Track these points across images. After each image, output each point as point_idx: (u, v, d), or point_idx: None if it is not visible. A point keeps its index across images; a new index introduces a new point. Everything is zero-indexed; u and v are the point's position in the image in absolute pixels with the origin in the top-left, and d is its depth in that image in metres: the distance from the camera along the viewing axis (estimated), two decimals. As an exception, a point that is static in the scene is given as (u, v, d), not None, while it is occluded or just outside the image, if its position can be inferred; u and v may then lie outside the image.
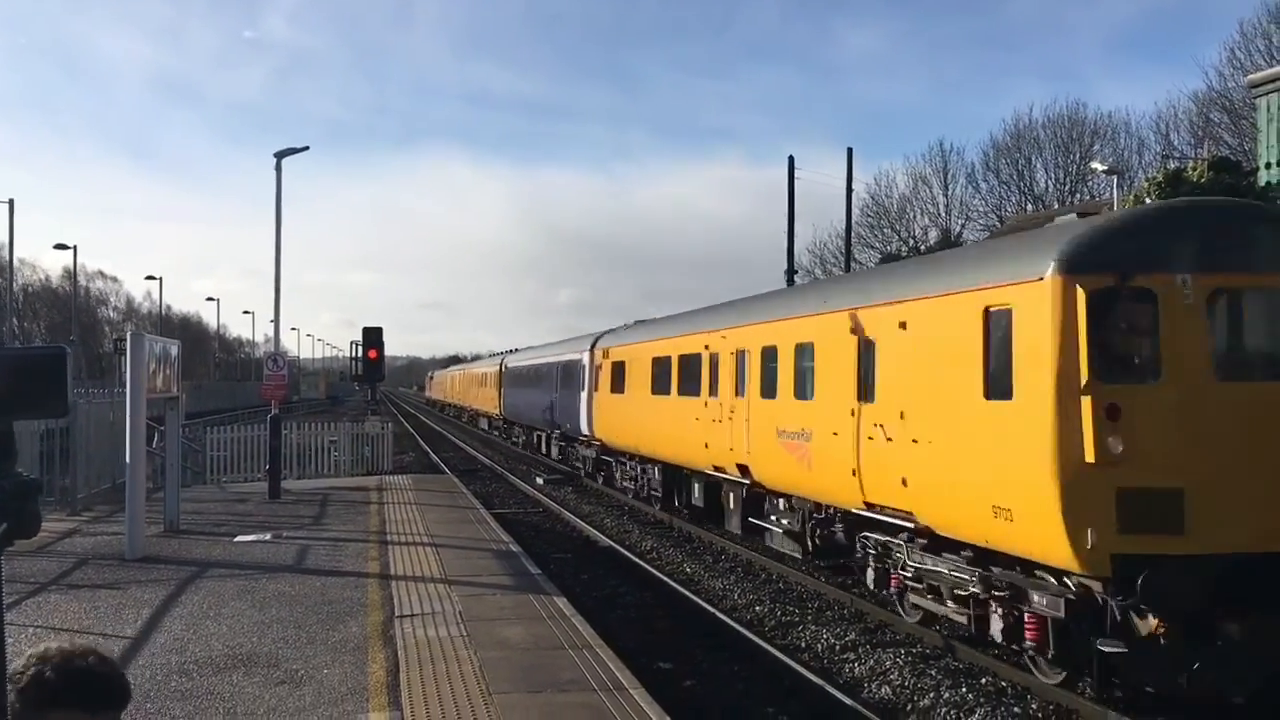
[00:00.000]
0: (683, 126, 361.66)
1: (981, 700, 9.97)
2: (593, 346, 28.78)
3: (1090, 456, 8.53)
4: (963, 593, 10.56)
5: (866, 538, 12.77)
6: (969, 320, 10.07)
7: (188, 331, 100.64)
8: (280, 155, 25.08)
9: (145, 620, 11.10)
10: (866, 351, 12.33)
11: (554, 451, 36.26)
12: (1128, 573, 8.45)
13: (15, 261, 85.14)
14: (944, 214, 63.60)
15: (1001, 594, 9.89)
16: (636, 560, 17.96)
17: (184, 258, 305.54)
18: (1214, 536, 8.57)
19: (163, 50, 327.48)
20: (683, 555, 18.59)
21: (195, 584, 13.08)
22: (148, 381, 15.71)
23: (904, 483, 11.19)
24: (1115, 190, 36.69)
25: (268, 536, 16.92)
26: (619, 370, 25.50)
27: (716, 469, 18.14)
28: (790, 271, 43.91)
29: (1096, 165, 46.50)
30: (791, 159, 43.38)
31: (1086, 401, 8.59)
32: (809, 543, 14.83)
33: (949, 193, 63.84)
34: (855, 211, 50.61)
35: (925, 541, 11.25)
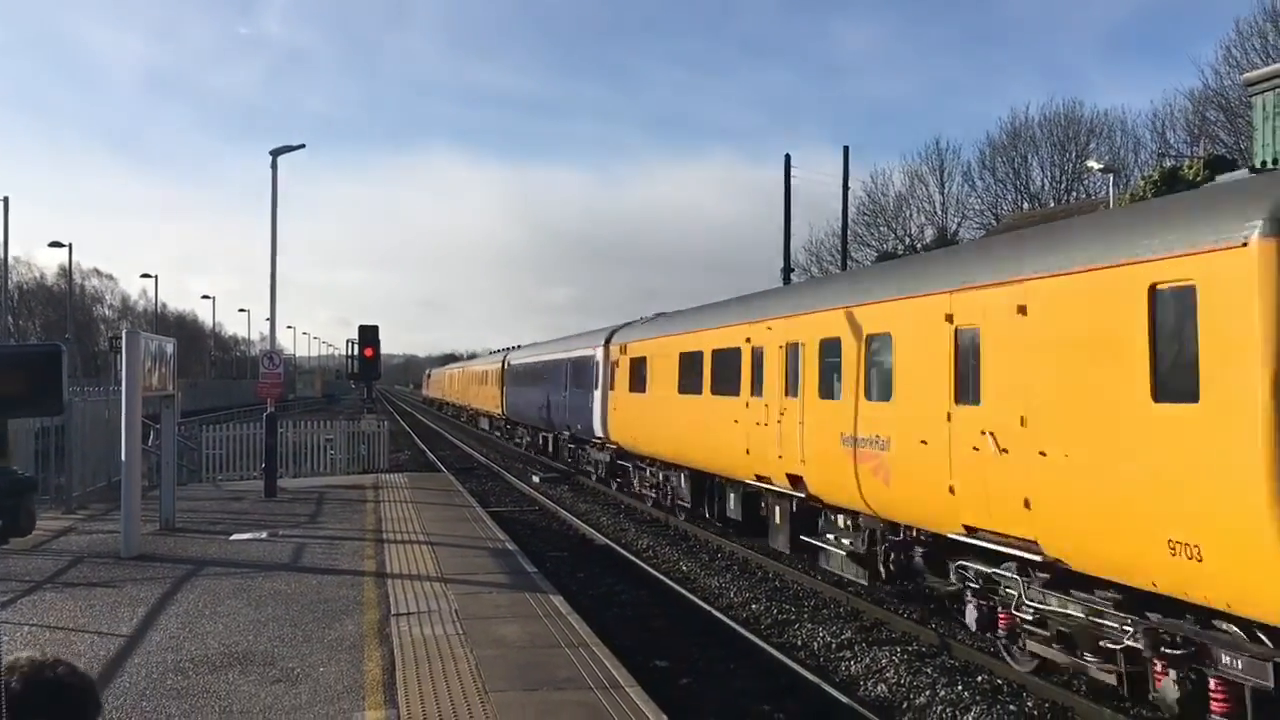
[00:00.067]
0: (678, 124, 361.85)
1: (977, 698, 9.98)
2: (607, 342, 26.82)
3: None
4: (1111, 645, 8.65)
5: (964, 568, 10.77)
6: (1126, 301, 8.09)
7: (183, 329, 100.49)
8: (276, 153, 25.01)
9: (141, 618, 11.08)
10: (968, 343, 10.39)
11: (563, 454, 34.01)
12: None
13: (10, 259, 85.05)
14: (940, 212, 63.67)
15: (1175, 651, 7.98)
16: (633, 559, 17.97)
17: (179, 256, 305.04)
18: None
19: (156, 46, 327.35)
20: (679, 553, 18.60)
21: (191, 582, 13.06)
22: (143, 379, 15.69)
23: (1026, 504, 9.17)
24: (1111, 189, 36.78)
25: (264, 535, 16.89)
26: (639, 367, 23.47)
27: (759, 478, 15.97)
28: (787, 270, 43.91)
29: (1093, 164, 46.60)
30: (788, 157, 43.40)
31: None
32: (881, 568, 12.84)
33: (945, 191, 63.92)
34: (852, 210, 50.77)
35: (1048, 577, 9.36)
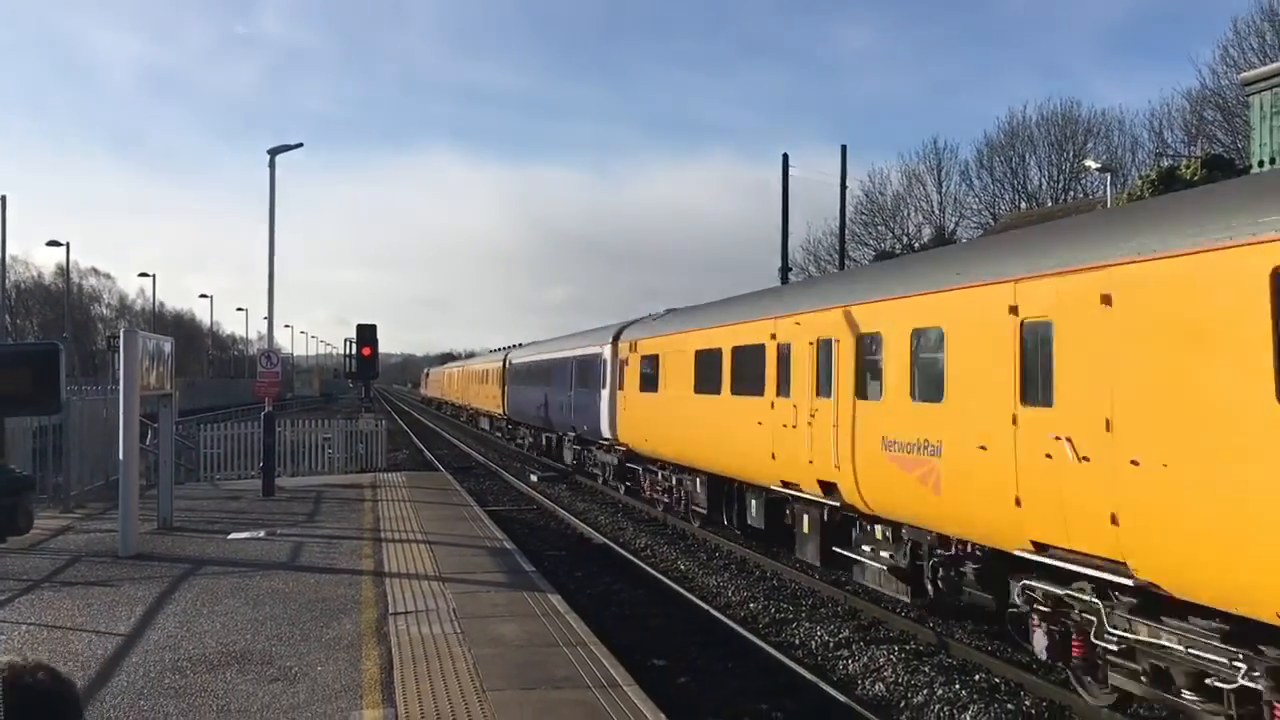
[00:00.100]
0: (676, 123, 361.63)
1: (975, 697, 9.99)
2: (616, 339, 25.67)
3: None
4: (1222, 684, 7.56)
5: (1032, 588, 9.58)
6: (1240, 286, 7.16)
7: (181, 328, 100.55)
8: (274, 152, 25.00)
9: (139, 617, 11.07)
10: (1036, 337, 9.37)
11: (567, 456, 32.67)
12: None
13: (7, 258, 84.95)
14: (938, 211, 63.81)
15: None
16: (630, 557, 17.98)
17: (177, 255, 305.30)
18: None
19: (154, 46, 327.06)
20: (677, 552, 18.60)
21: (189, 581, 13.05)
22: (141, 378, 15.68)
23: (1113, 520, 8.18)
24: (1109, 188, 36.81)
25: (261, 534, 16.89)
26: (651, 365, 22.26)
27: (786, 485, 14.86)
28: (784, 269, 43.91)
29: (1090, 163, 46.66)
30: (786, 156, 43.39)
31: None
32: (929, 585, 11.75)
33: (943, 191, 64.10)
34: (849, 209, 50.74)
35: (1134, 601, 8.40)
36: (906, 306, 11.64)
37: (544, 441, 37.80)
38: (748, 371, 16.41)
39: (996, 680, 10.51)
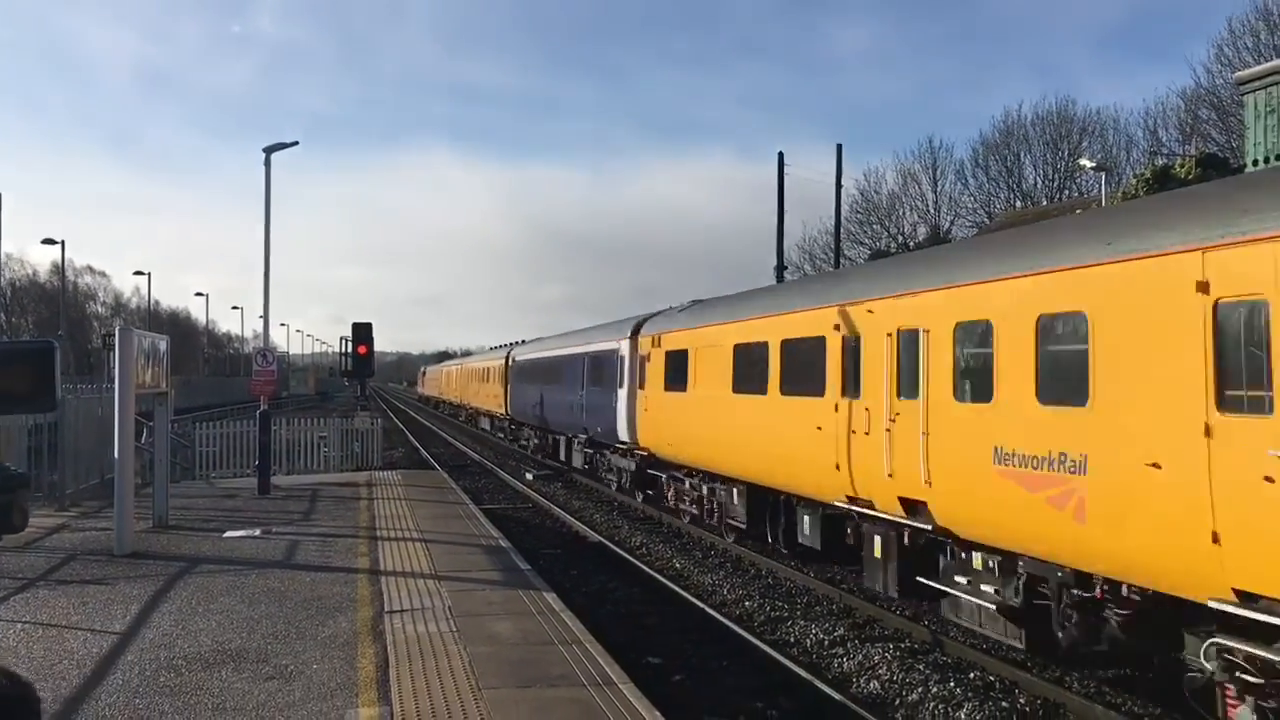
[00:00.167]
0: (671, 122, 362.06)
1: (970, 695, 10.01)
2: (634, 333, 23.79)
3: None
4: None
5: (1229, 650, 7.55)
6: None
7: (176, 327, 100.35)
8: (269, 150, 24.98)
9: (134, 616, 11.07)
10: (1239, 322, 7.40)
11: (577, 460, 30.49)
12: None
13: (2, 256, 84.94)
14: (933, 210, 63.90)
15: None
16: (626, 556, 17.99)
17: (172, 253, 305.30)
18: None
19: (150, 44, 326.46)
20: (672, 551, 18.62)
21: (184, 579, 13.05)
22: (136, 377, 15.66)
23: None
24: (1104, 187, 36.86)
25: (257, 532, 16.88)
26: (677, 362, 20.21)
27: (853, 500, 12.88)
28: (780, 268, 44.01)
29: (1085, 162, 46.69)
30: (781, 155, 43.53)
31: None
32: (1058, 631, 9.71)
33: (938, 189, 64.20)
34: (845, 208, 50.80)
35: None
36: (1029, 288, 9.60)
37: (550, 443, 35.80)
38: (803, 368, 14.45)
39: (991, 678, 10.53)
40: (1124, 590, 8.71)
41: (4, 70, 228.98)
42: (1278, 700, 7.27)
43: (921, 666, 10.93)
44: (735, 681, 10.72)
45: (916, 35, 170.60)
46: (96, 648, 9.77)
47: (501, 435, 49.10)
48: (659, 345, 21.57)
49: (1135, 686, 9.61)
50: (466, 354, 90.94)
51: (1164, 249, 8.06)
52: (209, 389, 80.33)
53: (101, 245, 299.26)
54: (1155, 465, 7.93)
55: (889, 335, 12.08)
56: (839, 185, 45.18)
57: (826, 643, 12.14)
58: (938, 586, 11.59)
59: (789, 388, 14.93)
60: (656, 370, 21.57)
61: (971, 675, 10.64)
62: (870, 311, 12.61)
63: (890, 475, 11.79)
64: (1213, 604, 7.47)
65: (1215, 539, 7.37)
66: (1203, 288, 7.60)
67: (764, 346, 15.89)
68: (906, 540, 11.98)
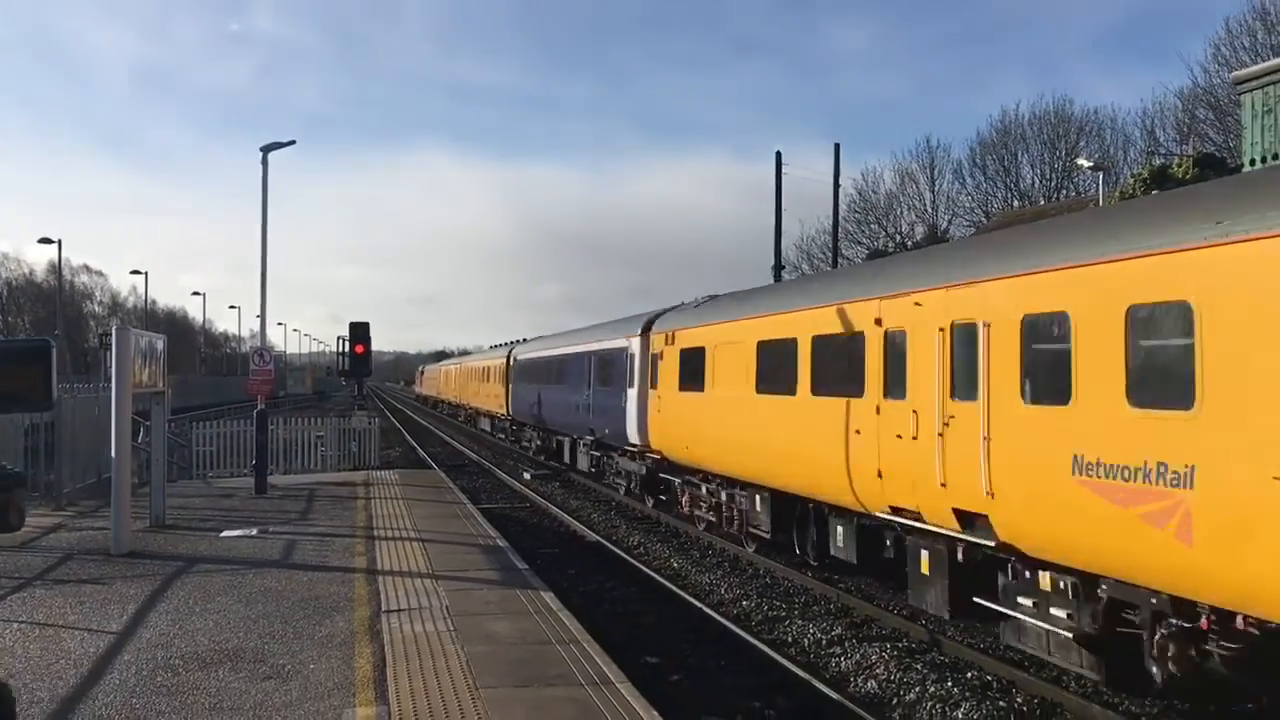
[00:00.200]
0: (669, 122, 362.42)
1: (967, 694, 10.01)
2: (645, 330, 22.71)
3: None
4: None
5: None
6: None
7: (173, 326, 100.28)
8: (266, 149, 24.97)
9: (131, 615, 11.05)
10: None
11: (583, 463, 29.33)
12: None
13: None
14: (931, 210, 63.93)
15: None
16: (623, 555, 17.99)
17: (169, 252, 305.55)
18: None
19: (147, 43, 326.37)
20: (669, 550, 18.62)
21: (181, 579, 13.03)
22: (133, 376, 15.63)
23: None
24: (1101, 187, 36.88)
25: (254, 532, 16.86)
26: (693, 360, 19.15)
27: (896, 511, 11.81)
28: (778, 267, 44.02)
29: (1082, 161, 46.76)
30: (779, 155, 43.58)
31: None
32: (1153, 666, 8.58)
33: (935, 189, 64.25)
34: (842, 208, 50.81)
35: None
36: (1115, 275, 8.48)
37: (554, 445, 34.64)
38: (838, 367, 13.37)
39: (989, 678, 10.54)
40: (1239, 622, 7.62)
41: (1, 69, 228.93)
42: None
43: (919, 666, 10.93)
44: (733, 681, 10.72)
45: (914, 35, 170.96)
46: (93, 647, 9.75)
47: (502, 436, 48.09)
48: (673, 343, 20.53)
49: (1135, 686, 9.59)
50: (464, 353, 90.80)
51: None
52: (206, 388, 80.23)
53: (98, 244, 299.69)
54: None
55: (941, 330, 10.92)
56: (836, 185, 45.23)
57: (824, 642, 12.14)
58: (998, 609, 10.41)
59: (821, 388, 13.85)
60: (670, 369, 20.54)
61: (969, 675, 10.64)
62: (917, 304, 11.49)
63: (943, 485, 10.65)
64: None
65: None
66: None
67: (792, 343, 14.77)
68: (961, 556, 10.85)
